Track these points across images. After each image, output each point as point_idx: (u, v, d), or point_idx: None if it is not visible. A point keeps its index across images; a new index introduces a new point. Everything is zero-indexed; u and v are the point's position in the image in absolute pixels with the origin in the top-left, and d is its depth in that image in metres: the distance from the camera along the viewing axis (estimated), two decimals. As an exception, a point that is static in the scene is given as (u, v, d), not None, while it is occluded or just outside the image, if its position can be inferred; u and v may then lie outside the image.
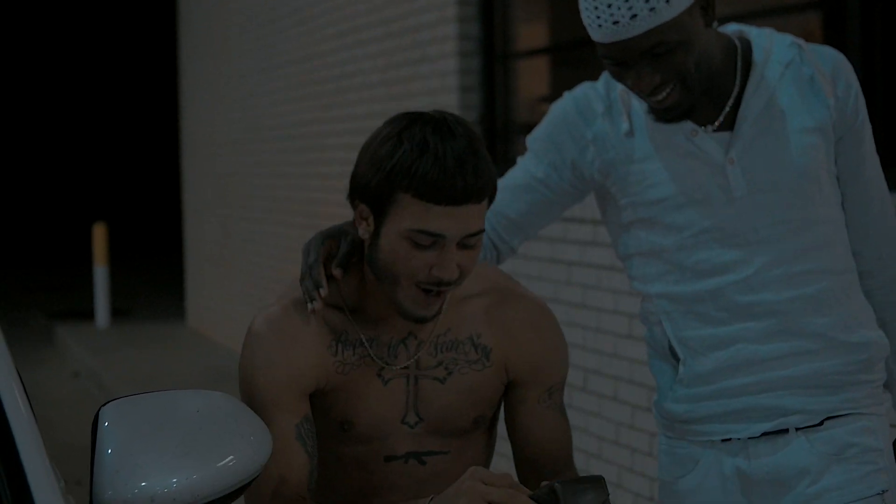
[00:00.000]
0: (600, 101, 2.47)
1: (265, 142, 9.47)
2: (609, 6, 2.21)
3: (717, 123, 2.39)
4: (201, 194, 11.48)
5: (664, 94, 2.29)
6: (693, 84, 2.30)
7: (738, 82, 2.40)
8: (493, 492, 1.96)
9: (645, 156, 2.41)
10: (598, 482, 1.97)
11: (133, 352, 10.40)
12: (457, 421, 2.31)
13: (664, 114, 2.34)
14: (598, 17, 2.23)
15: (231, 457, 1.94)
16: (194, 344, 10.91)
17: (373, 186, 2.12)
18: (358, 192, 2.18)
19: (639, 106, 2.42)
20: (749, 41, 2.44)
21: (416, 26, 6.70)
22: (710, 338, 2.41)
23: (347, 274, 2.28)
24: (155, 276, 17.22)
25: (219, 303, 10.83)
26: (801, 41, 2.44)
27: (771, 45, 2.41)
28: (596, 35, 2.26)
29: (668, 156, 2.39)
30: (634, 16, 2.21)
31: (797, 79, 2.40)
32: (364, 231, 2.20)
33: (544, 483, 2.00)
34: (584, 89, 2.52)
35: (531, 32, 6.42)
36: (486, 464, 2.43)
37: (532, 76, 6.35)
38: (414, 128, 2.11)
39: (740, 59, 2.41)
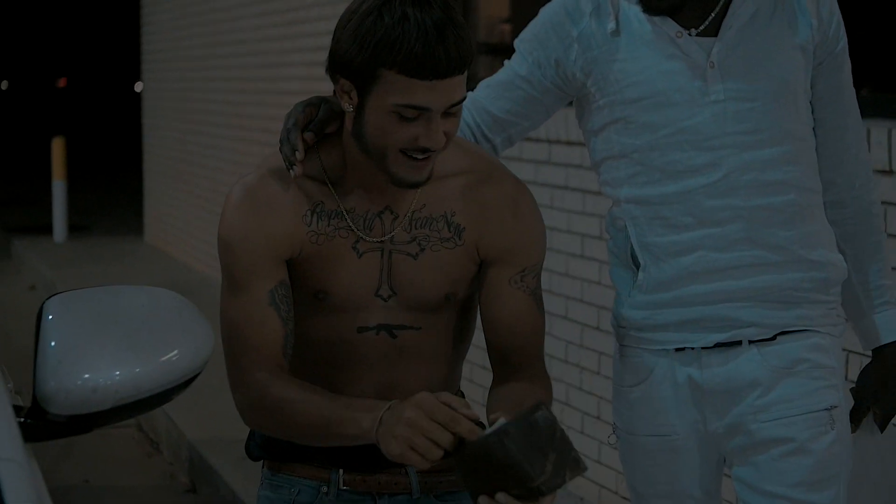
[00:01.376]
0: (589, 1, 2.48)
1: (226, 57, 9.42)
2: None
3: (701, 27, 2.41)
4: (160, 109, 11.41)
5: None
6: None
7: None
8: (440, 410, 2.00)
9: (628, 55, 2.43)
10: (551, 429, 1.95)
11: (90, 266, 10.38)
12: (428, 296, 2.34)
13: (655, 2, 2.38)
14: None
15: (175, 351, 1.97)
16: (152, 259, 10.91)
17: (356, 63, 2.12)
18: (339, 67, 2.17)
19: (627, 6, 2.45)
20: None
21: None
22: (672, 244, 2.44)
23: (326, 142, 2.30)
24: (113, 191, 17.14)
25: (177, 218, 10.80)
26: None
27: None
28: None
29: (651, 56, 2.42)
30: None
31: None
32: (347, 104, 2.20)
33: (493, 418, 2.02)
34: None
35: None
36: (459, 346, 2.47)
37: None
38: (393, 2, 2.11)
39: None
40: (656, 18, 2.42)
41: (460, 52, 2.11)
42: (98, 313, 1.98)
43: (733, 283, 2.42)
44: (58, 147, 11.88)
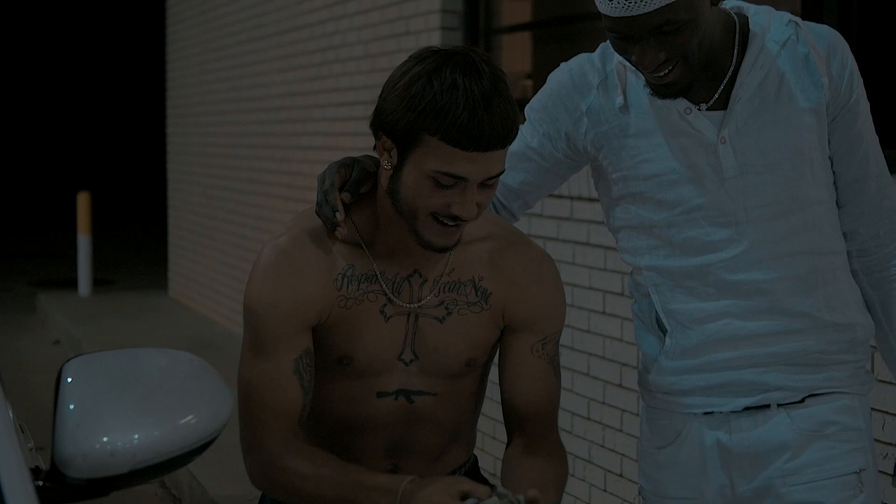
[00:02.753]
0: (596, 73, 2.47)
1: (250, 112, 9.46)
2: None
3: (711, 102, 2.38)
4: (185, 164, 11.47)
5: (666, 70, 2.28)
6: (694, 62, 2.29)
7: (734, 59, 2.38)
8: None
9: (639, 131, 2.41)
10: None
11: (114, 321, 10.40)
12: (450, 362, 2.35)
13: (662, 89, 2.33)
14: None
15: (192, 415, 1.97)
16: (175, 314, 10.92)
17: (401, 125, 2.16)
18: (383, 125, 2.21)
19: (635, 80, 2.42)
20: (746, 17, 2.42)
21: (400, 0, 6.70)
22: (697, 311, 2.42)
23: (358, 203, 2.32)
24: (138, 245, 17.20)
25: (201, 273, 10.83)
26: (798, 19, 2.43)
27: (768, 23, 2.39)
28: (606, 9, 2.24)
29: (662, 133, 2.39)
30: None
31: (793, 57, 2.38)
32: (386, 161, 2.23)
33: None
34: (580, 61, 2.52)
35: (514, 8, 6.42)
36: (473, 413, 2.48)
37: (515, 52, 6.36)
38: (444, 69, 2.13)
39: (738, 35, 2.39)
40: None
41: (504, 127, 2.13)
42: (117, 376, 1.98)
43: (760, 349, 2.40)
44: (83, 201, 11.94)
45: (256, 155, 9.31)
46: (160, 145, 13.26)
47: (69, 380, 1.95)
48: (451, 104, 2.10)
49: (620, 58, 2.40)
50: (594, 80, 2.46)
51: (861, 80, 2.45)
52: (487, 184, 2.18)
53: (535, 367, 2.40)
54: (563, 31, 6.03)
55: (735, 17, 2.41)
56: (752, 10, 2.42)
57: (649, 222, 2.44)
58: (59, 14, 24.28)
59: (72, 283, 12.35)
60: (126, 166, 24.67)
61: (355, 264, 2.30)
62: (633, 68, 2.39)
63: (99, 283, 12.56)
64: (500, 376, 2.44)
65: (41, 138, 24.57)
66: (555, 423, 2.44)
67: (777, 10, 2.46)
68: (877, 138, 2.50)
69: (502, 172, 2.20)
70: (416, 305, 2.32)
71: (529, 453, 2.37)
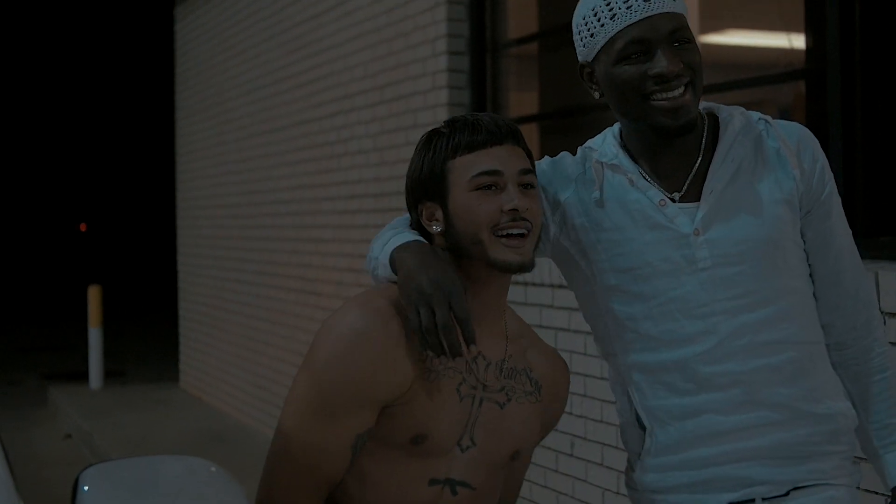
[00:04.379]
0: (575, 167, 2.51)
1: (260, 205, 9.52)
2: None
3: (682, 190, 2.40)
4: (196, 256, 11.51)
5: (680, 89, 2.32)
6: (699, 90, 2.35)
7: (701, 154, 2.42)
8: None
9: (613, 226, 2.42)
10: None
11: (125, 414, 10.38)
12: (501, 451, 2.38)
13: (673, 116, 2.33)
14: (626, 1, 2.30)
15: (208, 522, 1.98)
16: (187, 406, 10.89)
17: (426, 175, 2.30)
18: (417, 193, 2.33)
19: (611, 176, 2.45)
20: (716, 117, 2.47)
21: (408, 93, 6.77)
22: (676, 408, 2.42)
23: None
24: (149, 338, 17.21)
25: (212, 365, 10.83)
26: (767, 117, 2.47)
27: (738, 120, 2.44)
28: (625, 18, 2.30)
29: (637, 226, 2.40)
30: None
31: (763, 151, 2.42)
32: (437, 226, 2.31)
33: None
34: (561, 156, 2.57)
35: (521, 100, 6.49)
36: None
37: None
38: (443, 123, 2.34)
39: (707, 132, 2.44)
40: (640, 185, 2.41)
41: (508, 124, 2.31)
42: (133, 485, 1.99)
43: (741, 443, 2.39)
44: (94, 295, 11.98)
45: (267, 247, 9.35)
46: (171, 237, 13.31)
47: (86, 488, 1.96)
48: (454, 132, 2.30)
49: (598, 156, 2.47)
50: (573, 174, 2.50)
51: (832, 176, 2.47)
52: (524, 182, 2.29)
53: (525, 464, 2.53)
54: (569, 123, 6.09)
55: (704, 116, 2.47)
56: (722, 108, 2.49)
57: (625, 315, 2.44)
58: (73, 106, 24.49)
59: (83, 376, 12.36)
60: (137, 259, 24.74)
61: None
62: (611, 165, 2.44)
63: (110, 375, 12.56)
64: None
65: (54, 232, 24.67)
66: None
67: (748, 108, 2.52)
68: (850, 231, 2.52)
69: (534, 170, 2.33)
70: (480, 388, 2.33)
71: None
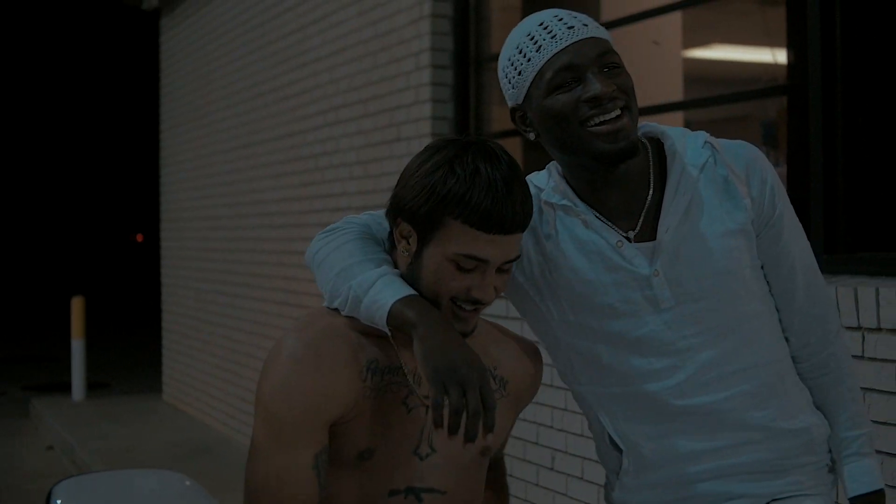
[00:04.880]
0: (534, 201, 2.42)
1: (245, 217, 9.51)
2: (560, 19, 2.30)
3: (637, 229, 2.36)
4: (179, 268, 11.50)
5: (616, 111, 2.26)
6: (635, 116, 2.30)
7: (652, 185, 2.37)
8: None
9: (571, 267, 2.39)
10: None
11: (108, 426, 10.35)
12: (465, 453, 2.35)
13: (614, 140, 2.27)
14: (549, 32, 2.28)
15: (182, 535, 1.97)
16: (170, 418, 10.87)
17: (423, 211, 2.20)
18: (403, 212, 2.24)
19: (563, 217, 2.40)
20: (660, 141, 2.43)
21: (392, 106, 6.77)
22: (650, 431, 2.41)
23: None
24: (133, 349, 17.17)
25: (195, 377, 10.81)
26: (713, 140, 2.42)
27: (684, 147, 2.39)
28: (550, 47, 2.28)
29: (595, 268, 2.37)
30: (585, 25, 2.29)
31: (712, 181, 2.38)
32: (404, 248, 2.26)
33: None
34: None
35: (505, 114, 6.49)
36: None
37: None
38: (465, 156, 2.19)
39: (653, 161, 2.40)
40: (595, 226, 2.36)
41: (525, 210, 2.20)
42: (106, 499, 1.98)
43: (720, 462, 2.40)
44: (77, 306, 11.95)
45: (251, 259, 9.34)
46: (154, 249, 13.29)
47: (58, 502, 1.95)
48: (474, 188, 2.16)
49: (545, 196, 2.41)
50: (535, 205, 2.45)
51: (783, 191, 2.44)
52: (504, 268, 2.23)
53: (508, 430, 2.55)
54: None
55: (647, 144, 2.42)
56: (667, 135, 2.42)
57: (588, 352, 2.43)
58: (56, 118, 24.45)
59: (66, 388, 12.32)
60: (120, 270, 24.69)
61: (380, 356, 2.28)
62: (562, 206, 2.38)
63: (93, 387, 12.53)
64: None
65: (36, 244, 24.62)
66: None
67: (692, 131, 2.46)
68: (806, 244, 2.48)
69: (518, 257, 2.25)
70: None
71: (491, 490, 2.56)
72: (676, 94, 5.95)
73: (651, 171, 2.38)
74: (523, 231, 2.23)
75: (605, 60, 2.28)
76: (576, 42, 2.28)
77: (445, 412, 2.06)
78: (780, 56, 4.52)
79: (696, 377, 2.36)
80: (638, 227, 2.36)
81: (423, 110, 6.40)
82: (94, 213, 24.84)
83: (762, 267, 2.43)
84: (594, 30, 2.31)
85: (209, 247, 10.49)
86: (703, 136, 2.43)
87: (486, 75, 6.47)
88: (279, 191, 8.71)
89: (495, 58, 6.39)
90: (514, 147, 6.37)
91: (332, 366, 2.23)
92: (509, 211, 2.16)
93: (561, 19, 2.30)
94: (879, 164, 4.11)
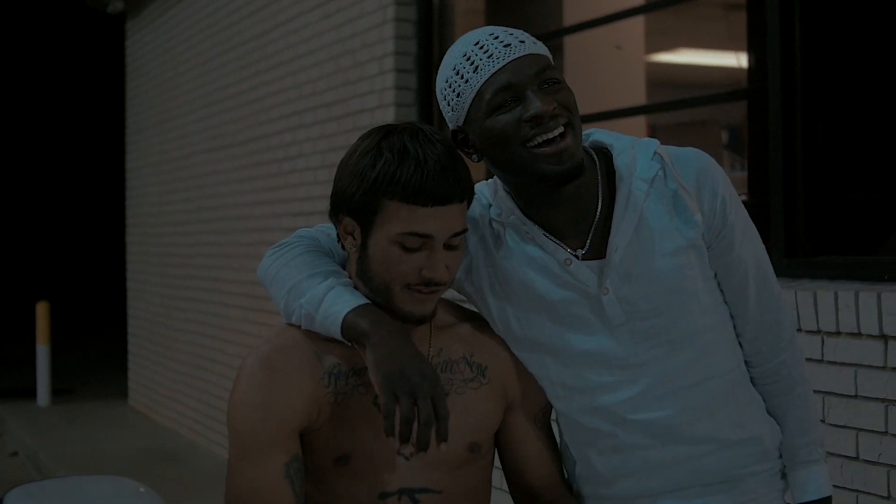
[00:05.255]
0: (481, 217, 2.40)
1: (208, 222, 9.49)
2: (496, 37, 2.23)
3: (585, 248, 2.31)
4: (144, 273, 11.46)
5: (559, 130, 2.20)
6: (578, 131, 2.24)
7: (600, 200, 2.33)
8: None
9: (520, 281, 2.35)
10: None
11: (73, 431, 10.30)
12: (453, 446, 2.26)
13: (558, 161, 2.21)
14: (485, 51, 2.21)
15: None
16: (135, 424, 10.83)
17: (358, 198, 2.16)
18: (342, 206, 2.20)
19: (512, 233, 2.35)
20: (608, 154, 2.37)
21: (356, 111, 6.77)
22: (602, 445, 2.40)
23: None
24: (98, 354, 17.08)
25: (160, 383, 10.77)
26: (663, 150, 2.36)
27: (633, 160, 2.33)
28: (488, 67, 2.21)
29: (543, 284, 2.32)
30: (522, 42, 2.22)
31: (662, 196, 2.32)
32: (351, 245, 2.23)
33: None
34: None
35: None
36: None
37: (471, 167, 6.41)
38: (392, 137, 2.16)
39: (601, 175, 2.34)
40: (542, 244, 2.32)
41: (459, 180, 2.15)
42: (58, 506, 1.97)
43: (671, 476, 2.38)
44: (42, 311, 11.89)
45: (215, 264, 9.32)
46: (120, 254, 13.24)
47: (11, 510, 1.94)
48: (404, 164, 2.13)
49: (492, 213, 2.36)
50: (479, 222, 2.41)
51: (736, 200, 2.38)
52: (452, 244, 2.19)
53: (541, 437, 2.42)
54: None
55: (595, 157, 2.36)
56: (615, 148, 2.36)
57: (537, 364, 2.40)
58: (18, 121, 24.32)
59: (31, 393, 12.25)
60: (85, 275, 24.57)
61: (342, 360, 2.26)
62: (509, 223, 2.34)
63: (58, 392, 12.45)
64: (503, 459, 2.44)
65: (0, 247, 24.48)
66: (565, 483, 2.45)
67: (642, 139, 2.40)
68: (760, 250, 2.43)
69: (465, 230, 2.21)
70: None
71: None
72: (639, 99, 5.97)
73: (599, 186, 2.33)
74: (463, 201, 2.19)
75: (544, 77, 2.22)
76: (513, 60, 2.21)
77: (396, 420, 2.04)
78: (741, 60, 4.54)
79: (649, 392, 2.34)
80: (587, 246, 2.32)
81: (387, 114, 6.40)
82: (58, 217, 24.73)
83: (715, 275, 2.39)
84: (531, 46, 2.25)
85: (174, 251, 10.46)
86: (652, 145, 2.36)
87: (449, 79, 6.47)
88: (243, 195, 8.69)
89: (459, 62, 6.39)
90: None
91: (288, 376, 2.23)
92: (442, 181, 2.13)
93: (497, 37, 2.23)
94: (839, 169, 4.13)
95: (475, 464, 2.37)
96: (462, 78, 2.24)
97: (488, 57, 2.21)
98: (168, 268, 10.63)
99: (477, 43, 2.24)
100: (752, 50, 4.42)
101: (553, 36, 6.00)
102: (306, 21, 7.53)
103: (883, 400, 3.49)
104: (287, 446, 2.23)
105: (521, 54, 2.21)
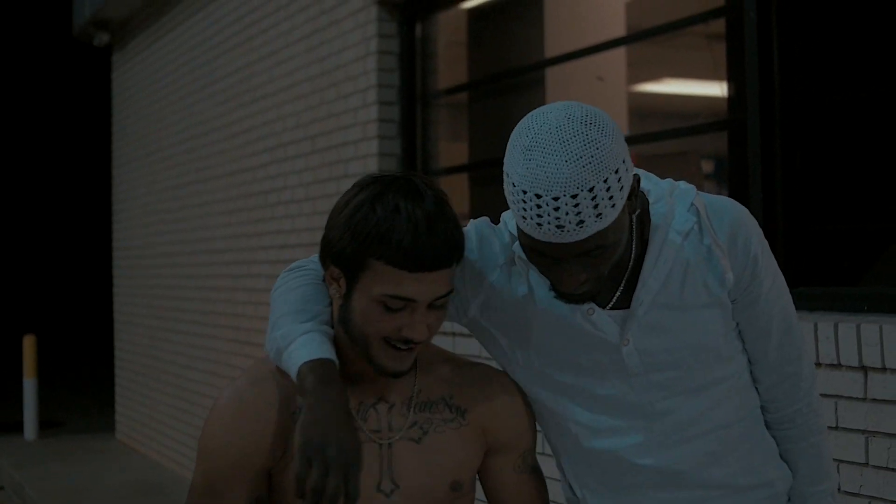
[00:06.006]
0: (503, 251, 2.33)
1: (195, 254, 9.48)
2: (557, 209, 1.98)
3: (613, 301, 2.25)
4: (132, 306, 11.44)
5: (583, 290, 2.15)
6: (606, 270, 2.14)
7: (633, 251, 2.24)
8: None
9: (541, 323, 2.30)
10: None
11: (60, 465, 10.27)
12: (434, 485, 2.27)
13: (577, 298, 2.18)
14: (541, 217, 2.00)
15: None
16: (122, 457, 10.79)
17: (346, 253, 2.14)
18: (330, 255, 2.19)
19: (537, 273, 2.26)
20: (646, 200, 2.26)
21: (339, 143, 6.78)
22: (609, 483, 2.38)
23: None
24: (86, 388, 17.02)
25: (147, 416, 10.74)
26: (700, 203, 2.27)
27: (671, 211, 2.24)
28: (535, 234, 2.03)
29: (564, 327, 2.28)
30: (581, 222, 1.99)
31: (696, 250, 2.25)
32: (335, 291, 2.21)
33: None
34: (488, 233, 2.37)
35: (451, 150, 6.51)
36: None
37: (453, 193, 6.43)
38: (387, 194, 2.12)
39: (636, 225, 2.24)
40: None
41: (449, 247, 2.12)
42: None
43: None
44: (29, 345, 11.86)
45: (202, 296, 9.31)
46: (107, 287, 13.22)
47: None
48: (393, 228, 2.09)
49: (518, 250, 2.24)
50: (500, 259, 2.34)
51: (767, 255, 2.33)
52: (436, 304, 2.17)
53: (522, 484, 2.40)
54: (498, 173, 6.10)
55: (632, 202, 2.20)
56: (653, 194, 2.26)
57: (550, 401, 2.38)
58: (6, 153, 24.30)
59: (18, 427, 12.20)
60: (72, 308, 24.51)
61: None
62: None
63: (45, 425, 12.42)
64: (487, 501, 2.42)
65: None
66: None
67: (680, 184, 2.31)
68: (787, 303, 2.38)
69: (451, 292, 2.18)
70: (385, 430, 2.27)
71: None
72: (621, 130, 5.98)
73: (633, 242, 2.23)
74: (451, 266, 2.15)
75: (588, 252, 2.06)
76: (559, 244, 2.04)
77: (307, 486, 2.02)
78: (720, 91, 4.55)
79: (660, 438, 2.31)
80: (615, 299, 2.25)
81: (370, 147, 6.41)
82: (45, 250, 24.69)
83: (737, 325, 2.35)
84: (591, 226, 2.01)
85: (161, 283, 10.45)
86: (690, 195, 2.27)
87: (432, 111, 6.49)
88: (229, 227, 8.69)
89: (441, 94, 6.42)
90: (461, 183, 6.39)
91: (257, 413, 2.23)
92: (430, 248, 2.10)
93: (557, 208, 1.98)
94: (818, 199, 4.14)
95: (457, 501, 2.35)
96: (513, 204, 2.06)
97: (538, 225, 2.01)
98: (155, 300, 10.61)
99: (538, 195, 1.99)
100: (732, 81, 4.43)
101: (535, 67, 6.02)
102: (290, 54, 7.55)
103: (863, 431, 3.49)
104: (251, 486, 2.23)
105: (571, 241, 2.02)
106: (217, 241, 8.97)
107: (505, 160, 2.10)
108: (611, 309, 2.26)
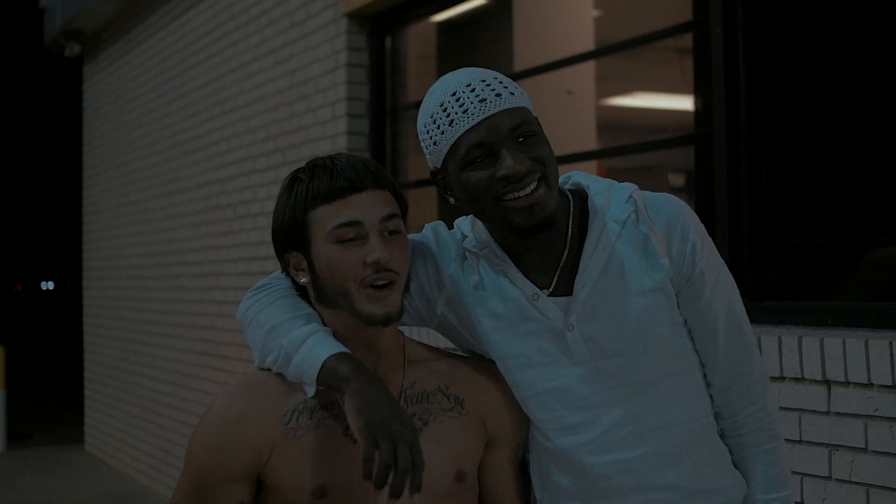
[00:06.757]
0: (456, 245, 2.45)
1: (164, 266, 9.46)
2: (472, 91, 2.22)
3: (552, 286, 2.33)
4: (101, 318, 11.40)
5: (532, 186, 2.22)
6: (553, 182, 2.25)
7: (567, 246, 2.34)
8: None
9: (490, 312, 2.37)
10: None
11: (29, 478, 10.22)
12: (438, 475, 2.26)
13: (530, 214, 2.23)
14: (462, 105, 2.21)
15: None
16: (91, 469, 10.74)
17: (290, 223, 2.22)
18: (281, 242, 2.26)
19: (486, 264, 2.39)
20: (585, 195, 2.40)
21: (309, 155, 6.77)
22: (566, 487, 2.39)
23: None
24: (54, 399, 16.95)
25: (117, 428, 10.70)
26: (638, 195, 2.37)
27: (608, 201, 2.36)
28: (465, 123, 2.21)
29: (512, 315, 2.35)
30: (499, 95, 2.22)
31: (633, 238, 2.33)
32: (302, 276, 2.26)
33: None
34: (443, 230, 2.50)
35: (419, 163, 6.52)
36: None
37: (422, 206, 6.44)
38: (306, 165, 2.26)
39: (573, 221, 2.36)
40: (512, 277, 2.34)
41: (367, 167, 2.22)
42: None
43: None
44: (-3, 357, 11.82)
45: (171, 309, 9.28)
46: (77, 298, 13.16)
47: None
48: (314, 176, 2.22)
49: (467, 244, 2.41)
50: (454, 253, 2.45)
51: (710, 248, 2.39)
52: (388, 228, 2.22)
53: (513, 477, 2.41)
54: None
55: (570, 197, 2.39)
56: (591, 188, 2.40)
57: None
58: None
59: (-14, 440, 12.16)
60: (41, 320, 24.42)
61: (310, 398, 2.25)
62: (483, 255, 2.37)
63: (14, 438, 12.36)
64: (481, 497, 2.42)
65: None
66: None
67: (620, 182, 2.42)
68: (735, 300, 2.41)
69: (396, 216, 2.24)
70: None
71: None
72: (590, 143, 6.01)
73: (570, 226, 2.35)
74: (382, 188, 2.24)
75: (519, 132, 2.23)
76: (488, 117, 2.21)
77: (375, 465, 2.03)
78: (690, 105, 4.58)
79: (610, 433, 2.33)
80: (553, 284, 2.33)
81: (340, 159, 6.41)
82: (12, 262, 24.58)
83: (686, 322, 2.38)
84: (509, 99, 2.24)
85: (131, 295, 10.42)
86: (629, 189, 2.39)
87: (401, 124, 6.50)
88: (198, 240, 8.68)
89: (411, 107, 6.43)
90: (430, 197, 6.39)
91: (248, 418, 2.24)
92: (350, 170, 2.21)
93: (473, 90, 2.23)
94: (783, 214, 4.16)
95: (461, 496, 2.34)
96: (438, 129, 2.25)
97: (464, 112, 2.22)
98: (125, 311, 10.58)
99: (454, 94, 2.24)
100: (699, 95, 4.45)
101: (504, 81, 6.02)
102: (260, 66, 7.55)
103: (827, 445, 3.51)
104: (240, 490, 2.24)
105: (497, 110, 2.22)
106: (186, 254, 8.95)
107: (418, 123, 2.32)
108: (555, 295, 2.33)
